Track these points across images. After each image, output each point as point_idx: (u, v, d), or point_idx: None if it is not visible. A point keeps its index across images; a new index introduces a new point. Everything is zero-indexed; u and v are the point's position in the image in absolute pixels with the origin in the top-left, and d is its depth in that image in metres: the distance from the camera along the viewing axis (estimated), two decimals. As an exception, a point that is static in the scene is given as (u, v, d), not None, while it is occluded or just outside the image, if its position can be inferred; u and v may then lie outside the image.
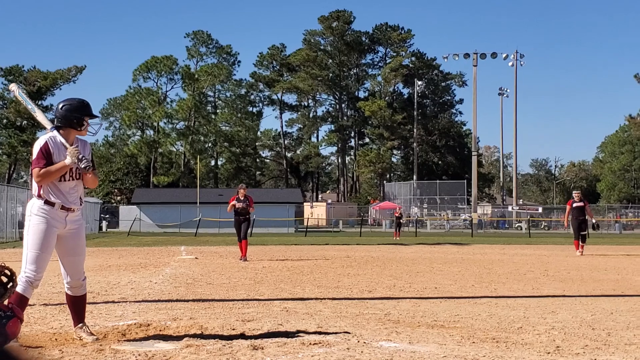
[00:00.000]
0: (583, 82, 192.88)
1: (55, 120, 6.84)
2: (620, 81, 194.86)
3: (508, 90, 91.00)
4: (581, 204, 24.78)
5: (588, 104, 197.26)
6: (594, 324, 8.20)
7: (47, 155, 6.56)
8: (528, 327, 7.97)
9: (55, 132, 6.75)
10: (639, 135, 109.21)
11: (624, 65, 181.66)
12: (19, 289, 6.28)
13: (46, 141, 6.63)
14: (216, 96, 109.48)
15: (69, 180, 6.70)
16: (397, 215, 44.89)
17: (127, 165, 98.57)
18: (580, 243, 24.28)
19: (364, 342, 6.80)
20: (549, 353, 6.45)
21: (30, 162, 6.79)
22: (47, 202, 6.55)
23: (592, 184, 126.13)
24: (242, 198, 20.54)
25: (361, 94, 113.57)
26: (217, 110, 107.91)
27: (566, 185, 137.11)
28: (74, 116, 6.76)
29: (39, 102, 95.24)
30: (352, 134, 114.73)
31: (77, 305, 6.90)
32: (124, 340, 6.80)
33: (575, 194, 25.43)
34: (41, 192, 6.56)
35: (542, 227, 74.02)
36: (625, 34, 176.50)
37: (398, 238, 39.64)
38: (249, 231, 21.70)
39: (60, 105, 6.85)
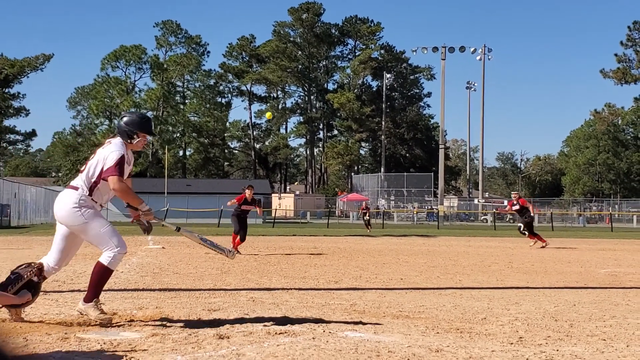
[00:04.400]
0: (549, 77, 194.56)
1: (116, 129, 7.22)
2: (586, 76, 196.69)
3: (476, 84, 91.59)
4: (517, 206, 25.33)
5: (554, 98, 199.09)
6: (557, 316, 8.30)
7: (122, 166, 6.87)
8: (492, 318, 8.05)
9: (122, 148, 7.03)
10: (604, 130, 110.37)
11: (590, 60, 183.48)
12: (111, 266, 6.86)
13: (123, 154, 6.93)
14: (185, 86, 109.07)
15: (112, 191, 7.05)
16: (362, 210, 44.83)
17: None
18: (528, 234, 24.94)
19: (330, 332, 6.83)
20: (512, 344, 6.52)
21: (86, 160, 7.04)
22: (93, 200, 6.90)
23: (557, 177, 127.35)
24: (249, 200, 20.17)
25: (330, 86, 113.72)
26: (186, 101, 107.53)
27: (532, 178, 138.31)
28: (128, 129, 7.05)
29: (6, 90, 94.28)
30: (321, 126, 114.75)
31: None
32: (89, 329, 6.79)
33: (514, 195, 26.46)
34: (93, 193, 6.90)
35: (508, 219, 74.55)
36: (591, 29, 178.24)
37: (369, 230, 39.64)
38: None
39: (122, 116, 7.20)
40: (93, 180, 6.90)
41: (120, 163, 6.82)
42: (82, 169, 7.08)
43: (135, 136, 7.07)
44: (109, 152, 6.91)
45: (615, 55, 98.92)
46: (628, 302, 9.67)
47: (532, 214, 25.70)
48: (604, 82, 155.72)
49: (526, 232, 24.98)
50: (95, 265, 6.96)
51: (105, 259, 6.87)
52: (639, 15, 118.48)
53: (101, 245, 6.88)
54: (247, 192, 20.24)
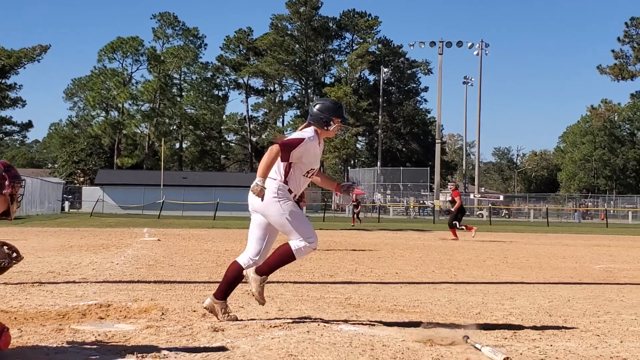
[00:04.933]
0: (546, 73, 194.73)
1: (308, 117, 7.09)
2: (583, 72, 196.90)
3: (473, 79, 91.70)
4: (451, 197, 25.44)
5: (551, 94, 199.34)
6: (551, 311, 8.33)
7: (292, 148, 6.74)
8: (486, 312, 8.08)
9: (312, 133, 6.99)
10: (600, 126, 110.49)
11: (587, 56, 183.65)
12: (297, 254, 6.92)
13: (305, 139, 6.83)
14: (182, 79, 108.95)
15: (310, 177, 7.10)
16: (353, 202, 44.65)
17: (90, 146, 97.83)
18: (455, 227, 24.95)
19: (324, 326, 6.85)
20: (506, 338, 6.54)
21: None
22: (289, 191, 6.86)
23: (552, 173, 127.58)
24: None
25: (327, 80, 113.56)
26: (183, 93, 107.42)
27: (527, 174, 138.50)
28: (324, 116, 7.00)
29: (3, 81, 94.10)
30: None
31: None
32: (84, 321, 6.79)
33: (450, 185, 26.50)
34: (288, 181, 6.85)
35: (503, 215, 74.68)
36: (588, 25, 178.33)
37: (354, 224, 39.61)
38: None
39: (314, 104, 7.14)
40: (285, 168, 6.89)
41: (292, 142, 6.76)
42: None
43: (331, 122, 7.04)
44: (296, 134, 6.92)
45: (612, 51, 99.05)
46: (622, 298, 9.70)
47: (460, 207, 25.61)
48: (600, 78, 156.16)
49: (458, 224, 25.01)
50: (282, 246, 6.96)
51: (294, 244, 6.87)
52: (636, 12, 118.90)
53: (293, 236, 6.87)
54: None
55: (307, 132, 6.94)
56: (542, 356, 5.67)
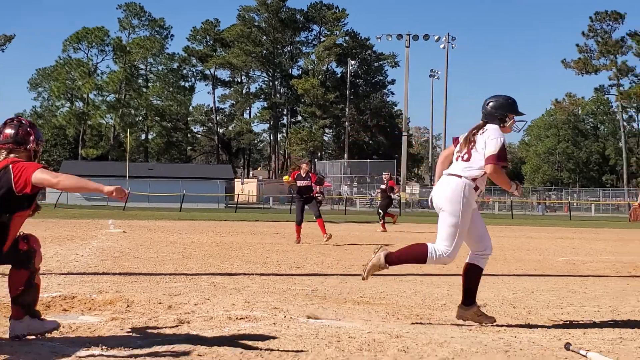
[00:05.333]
0: (512, 66, 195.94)
1: (483, 115, 7.10)
2: (548, 66, 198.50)
3: (439, 72, 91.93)
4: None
5: (516, 87, 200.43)
6: (516, 303, 8.40)
7: (504, 152, 6.77)
8: (452, 304, 8.13)
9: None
10: (564, 120, 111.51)
11: (551, 50, 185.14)
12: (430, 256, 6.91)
13: (503, 140, 6.84)
14: (148, 69, 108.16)
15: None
16: (316, 194, 44.17)
17: (55, 136, 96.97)
18: (382, 221, 25.31)
19: (291, 318, 6.85)
20: (470, 330, 6.60)
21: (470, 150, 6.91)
22: (475, 188, 6.89)
23: (517, 166, 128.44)
24: (303, 175, 18.71)
25: (295, 72, 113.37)
26: (149, 84, 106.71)
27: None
28: (499, 113, 6.98)
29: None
30: (285, 112, 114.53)
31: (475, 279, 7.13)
32: (48, 312, 6.74)
33: (385, 175, 26.48)
34: (477, 179, 6.86)
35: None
36: (554, 19, 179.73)
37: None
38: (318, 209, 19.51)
39: (487, 102, 7.11)
40: (477, 167, 6.84)
41: (503, 152, 6.74)
42: (461, 156, 6.99)
43: (506, 119, 7.03)
44: (489, 139, 6.82)
45: (577, 45, 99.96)
46: (585, 290, 9.81)
47: (393, 197, 25.76)
48: (565, 72, 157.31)
49: (382, 214, 25.22)
50: (420, 245, 7.03)
51: (433, 248, 6.91)
52: (601, 6, 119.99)
53: (442, 240, 6.88)
54: (303, 167, 19.24)
55: (496, 132, 6.93)
56: (506, 347, 5.72)
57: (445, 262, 6.89)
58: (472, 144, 6.90)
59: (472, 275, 6.98)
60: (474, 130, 6.98)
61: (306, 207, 19.01)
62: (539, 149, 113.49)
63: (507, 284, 10.37)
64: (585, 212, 72.73)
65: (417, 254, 6.91)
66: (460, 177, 6.82)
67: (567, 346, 5.82)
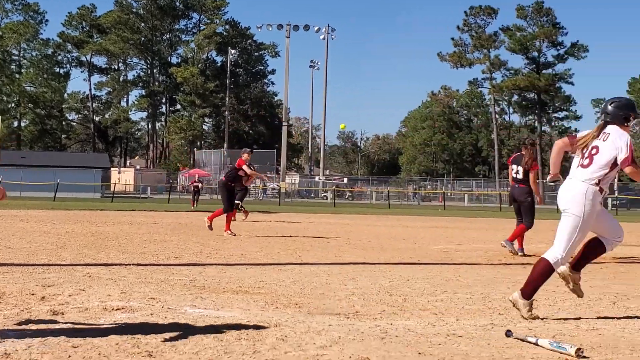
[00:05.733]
0: (390, 59, 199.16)
1: (604, 115, 7.09)
2: (424, 59, 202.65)
3: (319, 63, 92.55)
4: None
5: (394, 80, 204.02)
6: (392, 290, 8.55)
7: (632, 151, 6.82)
8: (330, 293, 8.21)
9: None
10: (440, 112, 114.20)
11: (427, 43, 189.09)
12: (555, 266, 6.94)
13: (630, 139, 6.92)
14: (21, 55, 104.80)
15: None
16: (194, 184, 43.70)
17: None
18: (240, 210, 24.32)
19: (168, 308, 6.79)
20: (348, 317, 6.68)
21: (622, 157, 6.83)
22: (600, 190, 6.87)
23: (394, 157, 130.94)
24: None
25: (174, 60, 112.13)
26: (22, 70, 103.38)
27: (371, 157, 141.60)
28: (623, 112, 6.98)
29: None
30: (164, 100, 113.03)
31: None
32: None
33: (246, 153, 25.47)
34: (600, 182, 6.86)
35: (347, 197, 76.02)
36: (430, 12, 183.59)
37: (194, 207, 38.94)
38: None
39: (609, 102, 7.09)
40: (599, 171, 6.83)
41: (631, 149, 6.79)
42: (581, 164, 6.97)
43: (630, 118, 7.01)
44: (618, 141, 6.85)
45: (452, 39, 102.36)
46: (458, 278, 10.07)
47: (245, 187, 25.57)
48: (441, 65, 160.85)
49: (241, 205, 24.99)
50: (540, 262, 6.95)
51: (552, 257, 6.88)
52: (475, 1, 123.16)
53: (559, 243, 6.90)
54: (245, 156, 18.94)
55: (623, 134, 6.98)
56: (382, 334, 5.82)
57: (559, 263, 7.03)
58: (595, 149, 7.05)
59: (594, 249, 7.24)
60: (595, 134, 7.12)
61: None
62: (415, 140, 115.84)
63: (383, 272, 10.55)
64: (459, 202, 74.74)
65: (543, 272, 7.00)
66: (585, 181, 6.98)
67: (508, 333, 5.95)
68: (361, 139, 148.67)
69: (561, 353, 5.35)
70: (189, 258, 11.80)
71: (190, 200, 41.70)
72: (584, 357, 5.31)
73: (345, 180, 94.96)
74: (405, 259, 12.80)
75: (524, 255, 13.62)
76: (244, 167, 18.49)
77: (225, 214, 17.72)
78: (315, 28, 78.34)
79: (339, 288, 8.61)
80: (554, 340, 5.66)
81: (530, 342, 5.67)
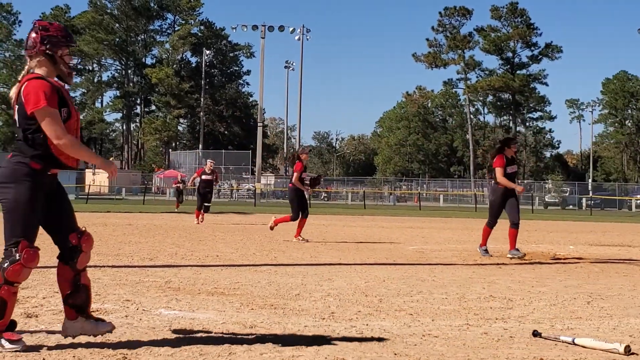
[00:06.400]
0: (365, 60, 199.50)
1: None
2: (400, 59, 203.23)
3: (294, 64, 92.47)
4: (210, 176, 24.53)
5: (369, 80, 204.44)
6: (367, 291, 8.56)
7: None
8: (305, 293, 8.20)
9: None
10: (415, 112, 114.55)
11: (402, 43, 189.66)
12: None
13: None
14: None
15: None
16: (177, 184, 43.37)
17: None
18: (202, 212, 23.86)
19: (143, 310, 6.76)
20: (324, 319, 6.67)
21: None
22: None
23: (370, 157, 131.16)
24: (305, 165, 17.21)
25: (149, 61, 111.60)
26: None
27: (346, 157, 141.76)
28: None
29: None
30: (138, 101, 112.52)
31: None
32: None
33: (209, 163, 25.16)
34: None
35: (322, 197, 76.03)
36: (405, 13, 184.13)
37: (178, 208, 38.57)
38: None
39: None
40: None
41: None
42: None
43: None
44: None
45: (427, 39, 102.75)
46: (434, 278, 10.10)
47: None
48: (416, 65, 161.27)
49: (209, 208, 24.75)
50: None
51: None
52: (450, 2, 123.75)
53: None
54: (304, 156, 17.26)
55: None
56: (358, 335, 5.83)
57: None
58: None
59: None
60: None
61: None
62: (391, 140, 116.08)
63: (359, 272, 10.55)
64: (434, 202, 74.92)
65: None
66: None
67: (536, 333, 5.94)
68: (336, 139, 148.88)
69: (610, 352, 5.38)
70: (164, 260, 11.75)
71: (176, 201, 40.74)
72: (633, 353, 5.36)
73: (321, 180, 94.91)
74: (381, 259, 12.82)
75: (487, 254, 13.65)
76: (295, 174, 17.00)
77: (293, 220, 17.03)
78: (290, 29, 78.24)
79: (315, 289, 8.60)
80: (597, 339, 5.70)
81: (565, 342, 5.68)
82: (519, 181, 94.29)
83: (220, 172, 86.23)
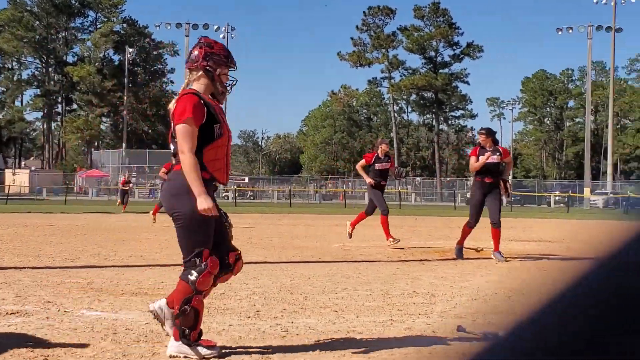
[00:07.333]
0: (291, 58, 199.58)
1: None
2: (325, 58, 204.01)
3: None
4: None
5: (294, 79, 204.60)
6: (293, 289, 8.59)
7: None
8: (230, 292, 8.19)
9: None
10: (340, 111, 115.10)
11: (327, 42, 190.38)
12: None
13: None
14: None
15: None
16: (123, 185, 42.23)
17: None
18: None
19: (65, 311, 6.67)
20: (249, 317, 6.68)
21: None
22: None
23: (295, 155, 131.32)
24: (382, 157, 15.62)
25: (70, 59, 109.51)
26: None
27: (272, 156, 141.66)
28: None
29: None
30: (59, 100, 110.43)
31: None
32: None
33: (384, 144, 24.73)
34: None
35: (248, 196, 75.86)
36: (329, 12, 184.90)
37: (124, 210, 37.50)
38: None
39: None
40: None
41: None
42: None
43: None
44: None
45: (352, 39, 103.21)
46: (359, 275, 10.18)
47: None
48: (341, 64, 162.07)
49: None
50: None
51: None
52: (374, 1, 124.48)
53: None
54: (383, 147, 15.62)
55: None
56: (283, 333, 5.85)
57: None
58: None
59: None
60: None
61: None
62: (316, 138, 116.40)
63: (285, 271, 10.58)
64: (359, 200, 75.35)
65: None
66: None
67: (460, 328, 6.00)
68: (262, 138, 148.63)
69: None
70: (86, 260, 11.59)
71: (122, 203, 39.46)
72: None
73: (247, 179, 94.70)
74: (307, 257, 12.87)
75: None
76: (360, 162, 15.86)
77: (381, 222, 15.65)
78: (215, 27, 77.92)
79: (240, 287, 8.60)
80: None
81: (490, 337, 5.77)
82: (442, 179, 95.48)
83: (144, 172, 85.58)
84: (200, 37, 5.57)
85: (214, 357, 5.12)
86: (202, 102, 5.25)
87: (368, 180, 15.48)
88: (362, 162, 15.66)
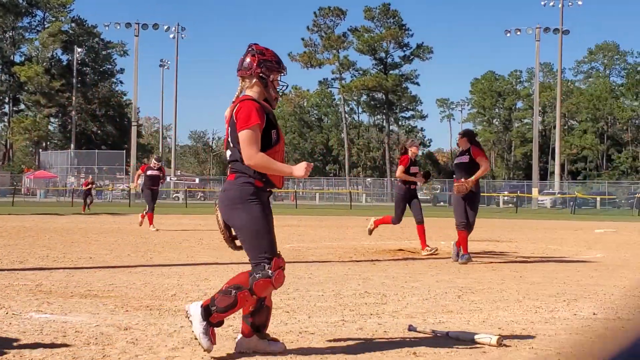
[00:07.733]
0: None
1: None
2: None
3: (169, 62, 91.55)
4: (157, 172, 22.45)
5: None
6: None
7: None
8: (181, 294, 8.16)
9: None
10: (291, 112, 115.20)
11: (278, 44, 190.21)
12: None
13: None
14: None
15: None
16: (86, 186, 41.49)
17: None
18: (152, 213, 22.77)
19: (13, 314, 6.59)
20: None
21: None
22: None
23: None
24: (414, 159, 14.47)
25: (17, 59, 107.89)
26: None
27: (222, 157, 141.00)
28: None
29: None
30: (6, 100, 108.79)
31: None
32: None
33: (154, 159, 23.29)
34: None
35: (199, 197, 75.52)
36: (279, 13, 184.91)
37: (84, 211, 36.89)
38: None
39: None
40: None
41: None
42: None
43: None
44: None
45: (302, 39, 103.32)
46: (310, 275, 10.21)
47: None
48: (291, 65, 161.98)
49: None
50: None
51: None
52: (324, 2, 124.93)
53: None
54: (413, 150, 14.44)
55: None
56: (235, 335, 5.84)
57: None
58: None
59: None
60: None
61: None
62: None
63: (236, 271, 10.47)
64: (311, 201, 75.57)
65: None
66: None
67: (411, 328, 6.05)
68: (213, 138, 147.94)
69: (482, 344, 5.56)
70: (35, 262, 11.44)
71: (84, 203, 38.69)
72: (503, 345, 5.55)
73: (197, 180, 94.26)
74: (258, 258, 12.83)
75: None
76: (400, 167, 14.34)
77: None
78: (165, 27, 77.40)
79: (191, 289, 8.57)
80: (467, 332, 5.91)
81: (439, 336, 5.86)
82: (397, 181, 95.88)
83: (93, 173, 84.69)
84: (250, 44, 5.68)
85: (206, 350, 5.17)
86: (262, 108, 5.36)
87: (420, 180, 14.41)
88: (402, 167, 14.22)
